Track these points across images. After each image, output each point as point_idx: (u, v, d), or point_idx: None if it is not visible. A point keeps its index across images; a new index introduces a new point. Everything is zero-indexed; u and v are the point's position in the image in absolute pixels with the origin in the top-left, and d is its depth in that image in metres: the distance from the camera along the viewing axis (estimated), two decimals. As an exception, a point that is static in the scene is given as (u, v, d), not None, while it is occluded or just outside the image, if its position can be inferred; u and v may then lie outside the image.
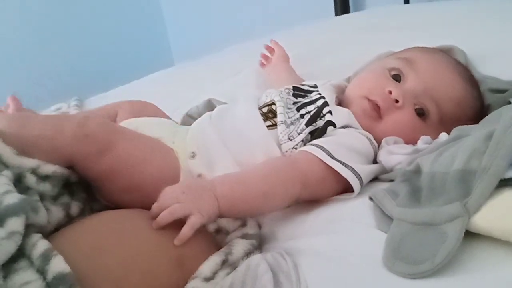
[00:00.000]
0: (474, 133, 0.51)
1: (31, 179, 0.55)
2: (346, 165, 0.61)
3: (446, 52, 0.84)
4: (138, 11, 1.95)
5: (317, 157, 0.61)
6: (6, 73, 1.55)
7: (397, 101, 0.68)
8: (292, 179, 0.60)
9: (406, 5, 1.35)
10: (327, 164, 0.61)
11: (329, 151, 0.62)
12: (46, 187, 0.56)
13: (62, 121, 0.60)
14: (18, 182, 0.54)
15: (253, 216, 0.60)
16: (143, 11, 1.97)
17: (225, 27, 1.80)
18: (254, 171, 0.61)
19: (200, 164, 0.64)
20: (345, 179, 0.61)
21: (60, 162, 0.58)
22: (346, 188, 0.62)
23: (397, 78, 0.71)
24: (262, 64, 1.05)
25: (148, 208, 0.55)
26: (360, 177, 0.61)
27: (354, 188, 0.60)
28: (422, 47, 0.78)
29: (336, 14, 1.43)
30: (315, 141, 0.65)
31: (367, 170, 0.63)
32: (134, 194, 0.60)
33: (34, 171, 0.55)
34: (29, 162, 0.56)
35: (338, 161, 0.61)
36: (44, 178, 0.56)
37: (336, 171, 0.61)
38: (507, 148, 0.46)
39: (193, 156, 0.65)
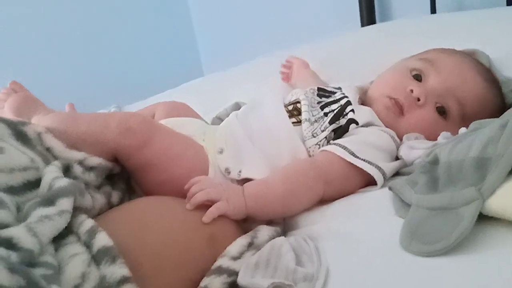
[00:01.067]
0: (490, 125, 0.54)
1: (78, 169, 0.61)
2: (370, 163, 0.64)
3: (470, 56, 0.86)
4: (170, 26, 2.08)
5: (339, 156, 0.64)
6: (55, 83, 1.67)
7: (418, 99, 0.71)
8: (314, 178, 0.63)
9: (433, 14, 1.36)
10: (350, 162, 0.64)
11: (351, 150, 0.65)
12: (91, 176, 0.61)
13: (107, 118, 0.66)
14: (66, 172, 0.60)
15: (281, 216, 0.63)
16: (175, 26, 2.09)
17: (253, 38, 1.86)
18: (277, 173, 0.64)
19: (228, 159, 0.68)
20: (368, 176, 0.64)
21: (105, 154, 0.63)
22: (368, 183, 0.65)
23: (418, 78, 0.73)
24: (285, 78, 1.09)
25: (180, 197, 0.60)
26: (385, 172, 0.64)
27: (377, 181, 0.63)
28: (443, 48, 0.80)
29: (362, 25, 1.46)
30: (338, 141, 0.67)
31: (390, 166, 0.65)
32: (168, 185, 0.65)
33: (81, 163, 0.61)
34: (76, 155, 0.62)
35: (362, 159, 0.64)
36: (89, 169, 0.62)
37: (360, 168, 0.63)
38: (521, 136, 0.48)
39: (221, 151, 0.69)
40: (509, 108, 0.75)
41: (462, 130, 0.61)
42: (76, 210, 0.53)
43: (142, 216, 0.55)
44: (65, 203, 0.50)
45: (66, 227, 0.50)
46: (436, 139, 0.66)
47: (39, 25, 1.71)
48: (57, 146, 0.61)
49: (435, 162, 0.55)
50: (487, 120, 0.58)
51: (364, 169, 0.64)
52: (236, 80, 1.26)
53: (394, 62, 0.93)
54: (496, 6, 1.23)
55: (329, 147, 0.66)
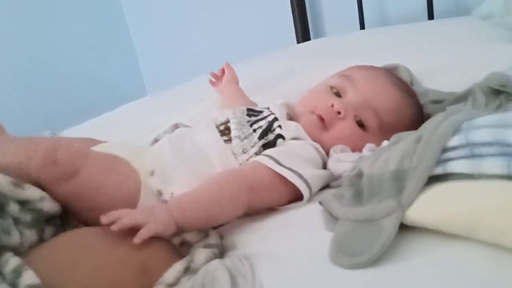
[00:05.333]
0: (407, 138, 0.57)
1: (14, 208, 0.57)
2: (292, 170, 0.66)
3: (392, 70, 0.92)
4: (111, 48, 2.03)
5: (264, 164, 0.67)
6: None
7: (339, 112, 0.76)
8: (237, 185, 0.64)
9: (362, 30, 1.44)
10: (274, 170, 0.66)
11: (276, 159, 0.67)
12: (27, 218, 0.58)
13: (33, 147, 0.64)
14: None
15: (210, 225, 0.64)
16: (116, 48, 2.05)
17: (193, 58, 1.88)
18: (201, 184, 0.66)
19: (159, 181, 0.68)
20: (294, 187, 0.66)
21: (29, 183, 0.61)
22: (298, 195, 0.67)
23: (338, 94, 0.79)
24: (212, 82, 1.11)
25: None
26: (307, 180, 0.66)
27: (302, 191, 0.65)
28: (361, 65, 0.86)
29: (298, 42, 1.52)
30: (265, 152, 0.70)
31: (314, 174, 0.68)
32: (98, 212, 0.62)
33: (21, 203, 0.58)
34: (21, 194, 0.58)
35: (285, 167, 0.66)
36: (28, 210, 0.59)
37: (284, 178, 0.66)
38: (434, 148, 0.51)
39: (152, 173, 0.69)
40: (427, 117, 0.81)
41: (385, 143, 0.64)
42: (2, 248, 0.51)
43: (68, 250, 0.54)
44: (-13, 244, 0.48)
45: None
46: (361, 150, 0.70)
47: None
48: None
49: (359, 175, 0.58)
50: (406, 133, 0.62)
51: (285, 176, 0.66)
52: (178, 99, 1.26)
53: (327, 77, 0.98)
54: (419, 21, 1.32)
55: (256, 158, 0.69)
